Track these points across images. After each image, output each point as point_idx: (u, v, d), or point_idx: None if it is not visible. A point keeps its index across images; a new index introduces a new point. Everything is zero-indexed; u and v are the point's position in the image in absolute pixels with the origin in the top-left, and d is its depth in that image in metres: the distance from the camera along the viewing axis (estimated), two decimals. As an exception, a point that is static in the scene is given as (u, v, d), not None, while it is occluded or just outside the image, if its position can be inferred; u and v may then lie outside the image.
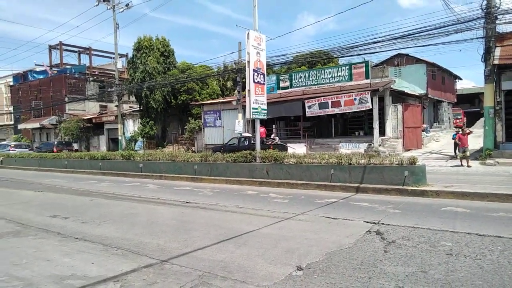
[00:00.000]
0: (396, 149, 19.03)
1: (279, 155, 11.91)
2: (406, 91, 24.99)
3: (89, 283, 3.86)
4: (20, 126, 44.75)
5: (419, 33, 14.61)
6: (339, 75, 22.63)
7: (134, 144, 31.37)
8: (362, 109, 20.33)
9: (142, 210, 8.05)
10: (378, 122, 19.88)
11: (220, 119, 27.23)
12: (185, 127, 30.04)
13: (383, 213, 6.89)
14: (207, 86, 31.55)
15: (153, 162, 15.46)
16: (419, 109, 23.37)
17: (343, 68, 22.79)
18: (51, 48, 49.00)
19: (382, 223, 6.02)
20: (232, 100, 25.50)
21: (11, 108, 49.79)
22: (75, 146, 36.37)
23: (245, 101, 13.25)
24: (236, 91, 25.61)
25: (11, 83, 51.21)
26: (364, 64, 21.67)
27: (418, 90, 28.32)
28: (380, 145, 19.44)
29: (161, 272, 4.13)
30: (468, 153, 13.89)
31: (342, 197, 8.90)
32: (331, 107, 20.97)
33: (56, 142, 33.34)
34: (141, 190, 11.42)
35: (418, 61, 29.99)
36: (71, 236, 5.84)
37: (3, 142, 38.58)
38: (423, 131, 23.66)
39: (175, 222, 6.78)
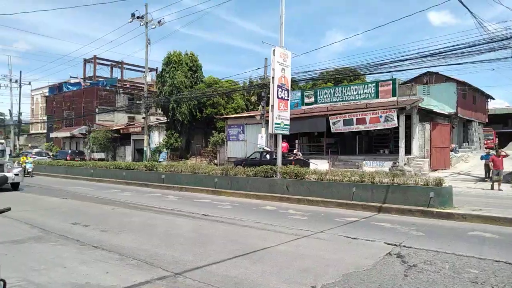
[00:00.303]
0: (423, 168, 18.44)
1: (300, 171, 11.78)
2: (435, 109, 24.31)
3: (101, 292, 3.87)
4: (52, 135, 46.63)
5: (451, 51, 14.26)
6: (365, 92, 22.36)
7: (158, 155, 31.92)
8: (388, 127, 19.93)
9: (161, 221, 8.10)
10: (404, 140, 19.39)
11: (243, 133, 27.37)
12: (209, 140, 30.37)
13: (406, 235, 6.63)
14: (232, 101, 31.91)
15: (175, 173, 15.63)
16: (447, 128, 22.66)
17: (370, 85, 22.52)
18: (85, 61, 51.25)
19: (404, 246, 5.78)
20: (256, 115, 25.62)
21: (45, 118, 52.07)
22: (102, 155, 37.46)
23: (268, 116, 13.27)
24: (260, 106, 25.74)
25: (47, 94, 53.68)
26: (391, 82, 21.34)
27: (448, 109, 27.48)
28: (405, 164, 18.91)
29: (174, 286, 4.09)
30: (501, 176, 13.30)
31: (363, 216, 8.65)
32: (356, 124, 20.68)
33: (70, 151, 36.70)
34: (162, 201, 11.53)
35: (448, 79, 29.20)
36: (90, 244, 5.93)
37: (28, 150, 40.29)
38: (451, 151, 22.85)
39: (192, 234, 6.77)
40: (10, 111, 43.56)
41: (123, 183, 17.51)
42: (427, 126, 20.34)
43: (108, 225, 7.52)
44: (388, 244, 5.91)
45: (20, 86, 43.15)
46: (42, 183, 17.97)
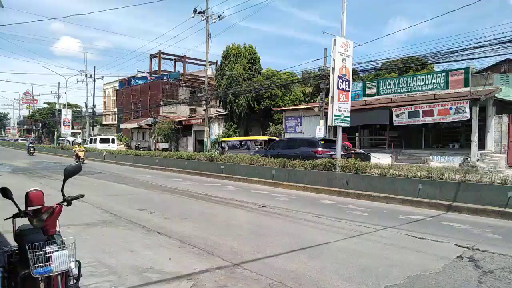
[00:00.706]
0: (498, 165, 16.83)
1: (361, 165, 11.34)
2: (514, 100, 21.98)
3: (164, 278, 4.04)
4: (122, 126, 50.02)
5: (534, 35, 12.77)
6: (434, 82, 20.85)
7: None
8: (459, 120, 18.43)
9: (220, 211, 8.29)
10: (477, 134, 17.82)
11: (301, 125, 27.09)
12: (266, 131, 30.53)
13: (479, 237, 6.08)
14: (290, 93, 31.69)
15: (234, 164, 15.93)
16: (530, 121, 20.36)
17: (439, 75, 20.94)
18: (151, 56, 54.00)
19: (477, 249, 5.30)
20: (314, 107, 25.17)
21: (116, 110, 56.01)
22: (166, 145, 39.41)
23: (328, 108, 12.91)
24: (318, 97, 25.23)
25: (117, 88, 57.62)
26: (463, 71, 19.64)
27: (530, 100, 24.70)
28: (478, 160, 17.39)
29: (232, 276, 4.15)
30: None
31: (430, 215, 8.09)
32: (422, 117, 19.40)
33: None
34: (221, 191, 11.82)
35: (531, 66, 26.22)
36: (154, 230, 6.24)
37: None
38: (534, 146, 20.54)
39: (250, 226, 6.83)
40: (85, 103, 47.46)
41: (185, 172, 18.25)
42: (505, 118, 18.46)
43: (170, 213, 7.88)
44: (459, 246, 5.45)
45: (94, 81, 46.79)
46: (113, 170, 19.36)
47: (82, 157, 23.60)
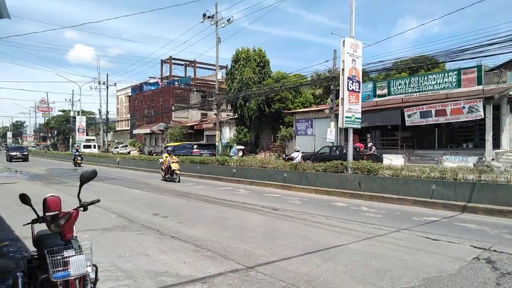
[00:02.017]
0: (515, 164, 16.49)
1: (373, 167, 11.26)
2: (530, 98, 21.54)
3: (179, 282, 4.09)
4: (135, 132, 50.65)
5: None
6: (445, 82, 20.61)
7: (229, 150, 32.95)
8: (472, 119, 18.16)
9: (233, 215, 8.33)
10: (492, 133, 17.52)
11: (311, 127, 27.02)
12: (277, 134, 30.52)
13: (496, 238, 5.98)
14: (300, 95, 31.66)
15: (245, 168, 15.98)
16: (547, 119, 19.91)
17: (450, 73, 20.70)
18: (162, 62, 54.67)
19: (494, 250, 5.22)
20: (325, 109, 25.10)
21: (129, 116, 56.77)
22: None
23: (338, 110, 12.88)
24: (329, 99, 25.16)
25: (130, 94, 58.41)
26: (476, 69, 19.38)
27: (546, 97, 24.17)
28: (493, 159, 17.08)
29: (246, 279, 4.17)
30: None
31: (445, 216, 7.99)
32: (435, 116, 19.18)
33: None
34: (233, 194, 11.87)
35: (547, 63, 25.64)
36: (168, 235, 6.31)
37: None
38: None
39: (263, 229, 6.85)
40: (99, 110, 48.27)
41: (197, 176, 18.37)
42: (521, 116, 18.12)
43: (184, 217, 7.95)
44: (476, 247, 5.38)
45: (107, 88, 47.58)
46: (127, 176, 19.61)
47: (177, 171, 15.89)
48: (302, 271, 4.40)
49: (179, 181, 15.67)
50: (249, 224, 7.25)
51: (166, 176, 16.31)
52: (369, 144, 21.61)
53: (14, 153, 35.99)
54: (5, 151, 39.89)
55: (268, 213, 8.52)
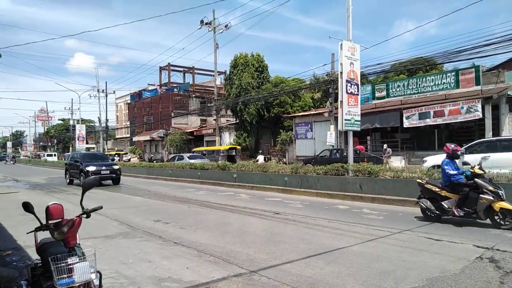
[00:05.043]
0: (516, 164, 16.48)
1: (374, 169, 11.28)
2: (528, 97, 21.59)
3: (183, 287, 4.09)
4: (134, 139, 50.69)
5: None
6: (444, 83, 20.69)
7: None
8: (470, 119, 18.20)
9: (234, 219, 8.33)
10: (491, 133, 17.54)
11: (311, 131, 27.06)
12: (277, 139, 30.56)
13: (498, 237, 5.98)
14: (299, 99, 31.75)
15: (246, 172, 15.98)
16: (546, 117, 19.95)
17: (448, 74, 20.79)
18: (161, 69, 54.89)
19: (497, 249, 5.22)
20: (324, 112, 25.16)
21: (128, 123, 56.84)
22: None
23: (337, 113, 12.93)
24: (328, 102, 25.24)
25: (129, 101, 58.54)
26: (473, 69, 19.46)
27: (545, 96, 24.23)
28: (494, 159, 17.06)
29: (249, 283, 4.17)
30: None
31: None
32: (433, 117, 19.24)
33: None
34: (234, 199, 11.87)
35: (544, 62, 25.73)
36: (170, 241, 6.31)
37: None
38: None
39: (265, 233, 6.85)
40: (99, 118, 48.29)
41: (198, 182, 18.36)
42: (520, 116, 18.15)
43: (186, 223, 7.95)
44: (478, 247, 5.38)
45: (106, 96, 47.58)
46: (128, 183, 19.57)
47: None
48: (305, 274, 4.40)
49: None
50: (251, 229, 7.25)
51: None
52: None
53: (97, 168, 17.81)
54: (66, 165, 21.43)
55: (269, 217, 8.52)
